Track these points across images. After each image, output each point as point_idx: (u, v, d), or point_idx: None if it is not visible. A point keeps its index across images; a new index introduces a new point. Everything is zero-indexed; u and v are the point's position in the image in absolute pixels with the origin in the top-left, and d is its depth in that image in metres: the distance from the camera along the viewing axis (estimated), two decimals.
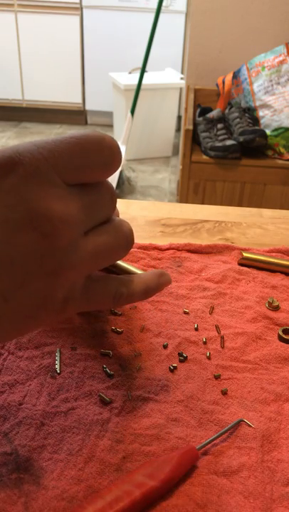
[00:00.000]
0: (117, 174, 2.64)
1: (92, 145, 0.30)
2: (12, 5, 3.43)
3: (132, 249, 0.57)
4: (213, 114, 2.12)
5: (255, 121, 2.16)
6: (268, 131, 2.09)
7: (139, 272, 0.50)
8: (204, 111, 2.21)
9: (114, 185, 2.62)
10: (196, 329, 0.47)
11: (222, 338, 0.46)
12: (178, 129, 3.37)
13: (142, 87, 2.56)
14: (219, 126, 2.09)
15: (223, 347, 0.45)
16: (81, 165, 0.29)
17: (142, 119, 3.08)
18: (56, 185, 0.28)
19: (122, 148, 2.64)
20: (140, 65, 2.49)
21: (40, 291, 0.28)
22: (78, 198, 0.29)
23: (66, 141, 0.29)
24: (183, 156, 2.07)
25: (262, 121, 2.16)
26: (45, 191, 0.28)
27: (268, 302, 0.51)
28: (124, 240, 0.33)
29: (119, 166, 0.32)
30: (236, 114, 2.11)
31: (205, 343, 0.45)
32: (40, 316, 0.30)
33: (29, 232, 0.27)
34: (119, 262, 0.52)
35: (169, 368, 0.42)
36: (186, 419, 0.37)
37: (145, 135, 3.20)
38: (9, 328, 0.29)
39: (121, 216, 0.65)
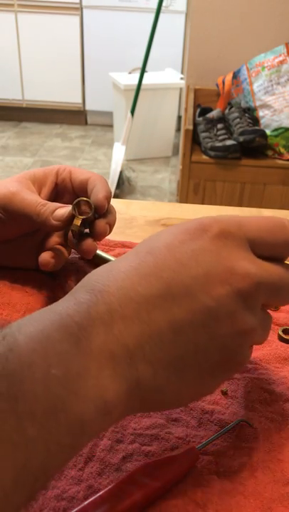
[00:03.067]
0: (117, 174, 2.63)
1: (276, 224, 0.32)
2: (12, 5, 3.43)
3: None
4: (213, 114, 2.12)
5: (255, 121, 2.15)
6: (268, 131, 2.09)
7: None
8: (204, 111, 2.21)
9: (114, 185, 2.62)
10: None
11: None
12: (178, 129, 3.37)
13: (142, 87, 2.56)
14: (219, 126, 2.09)
15: None
16: (267, 239, 0.32)
17: (142, 119, 3.08)
18: (248, 251, 0.31)
19: (122, 148, 2.64)
20: (140, 65, 2.49)
21: (229, 347, 0.29)
22: (265, 268, 0.31)
23: (255, 217, 0.33)
24: (183, 156, 2.07)
25: (262, 121, 2.16)
26: (240, 253, 0.30)
27: None
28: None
29: None
30: (236, 114, 2.11)
31: None
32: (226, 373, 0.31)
33: (225, 286, 0.28)
34: (99, 252, 0.53)
35: None
36: (186, 419, 0.37)
37: (145, 135, 3.20)
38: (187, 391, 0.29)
39: (121, 216, 0.65)
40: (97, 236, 0.46)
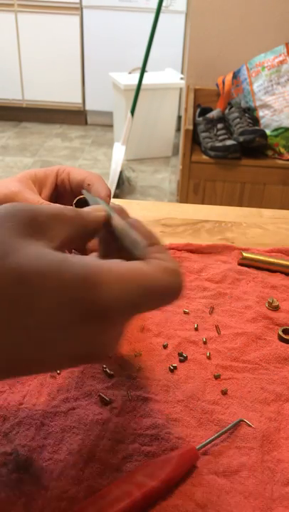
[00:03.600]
0: (117, 174, 2.63)
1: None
2: (12, 5, 3.43)
3: None
4: (213, 114, 2.12)
5: (255, 121, 2.15)
6: (267, 131, 2.09)
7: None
8: (204, 111, 2.21)
9: (114, 185, 2.61)
10: (196, 329, 0.47)
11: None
12: (178, 129, 3.37)
13: (142, 87, 2.56)
14: (219, 126, 2.09)
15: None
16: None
17: (142, 119, 3.08)
18: None
19: (122, 149, 2.64)
20: (140, 65, 2.49)
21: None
22: None
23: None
24: (183, 156, 2.07)
25: (262, 121, 2.16)
26: None
27: (268, 302, 0.51)
28: None
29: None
30: (236, 114, 2.11)
31: (205, 343, 0.45)
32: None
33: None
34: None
35: (169, 368, 0.42)
36: (186, 419, 0.37)
37: (145, 135, 3.20)
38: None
39: None
40: None
